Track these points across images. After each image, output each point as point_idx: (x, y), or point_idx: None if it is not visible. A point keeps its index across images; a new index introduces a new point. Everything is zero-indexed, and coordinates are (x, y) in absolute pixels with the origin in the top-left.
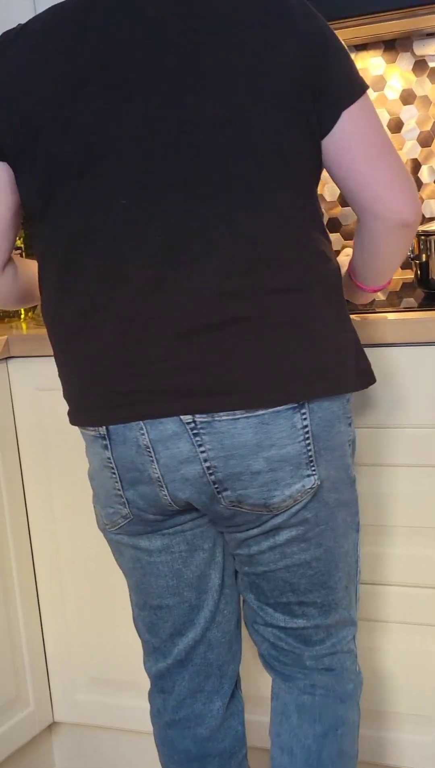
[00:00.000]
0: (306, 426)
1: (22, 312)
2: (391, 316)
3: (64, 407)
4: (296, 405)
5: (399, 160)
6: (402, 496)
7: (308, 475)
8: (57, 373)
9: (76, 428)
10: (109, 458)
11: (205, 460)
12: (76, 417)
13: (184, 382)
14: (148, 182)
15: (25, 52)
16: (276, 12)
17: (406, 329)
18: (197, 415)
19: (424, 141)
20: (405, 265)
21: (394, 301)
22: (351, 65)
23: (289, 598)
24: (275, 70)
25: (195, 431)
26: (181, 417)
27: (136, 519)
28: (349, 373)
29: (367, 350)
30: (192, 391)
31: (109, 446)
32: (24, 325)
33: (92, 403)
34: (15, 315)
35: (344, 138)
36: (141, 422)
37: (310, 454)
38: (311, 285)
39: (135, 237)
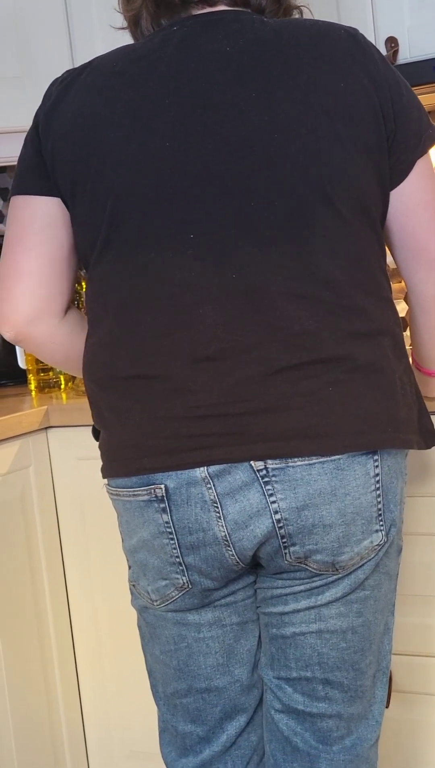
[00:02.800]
0: (378, 475)
1: (63, 382)
2: None
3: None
4: (371, 451)
5: None
6: None
7: (377, 531)
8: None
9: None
10: (167, 523)
11: (276, 512)
12: (126, 466)
13: (258, 424)
14: (221, 218)
15: (91, 85)
16: (354, 53)
17: None
18: (269, 461)
19: None
20: None
21: None
22: (424, 113)
23: (314, 672)
24: (354, 114)
25: (266, 479)
26: (252, 463)
27: (192, 590)
28: (414, 428)
29: None
30: (266, 435)
31: (168, 509)
32: (64, 396)
33: (150, 449)
34: (55, 385)
35: (412, 190)
36: (207, 473)
37: (380, 506)
38: (383, 334)
39: (208, 274)
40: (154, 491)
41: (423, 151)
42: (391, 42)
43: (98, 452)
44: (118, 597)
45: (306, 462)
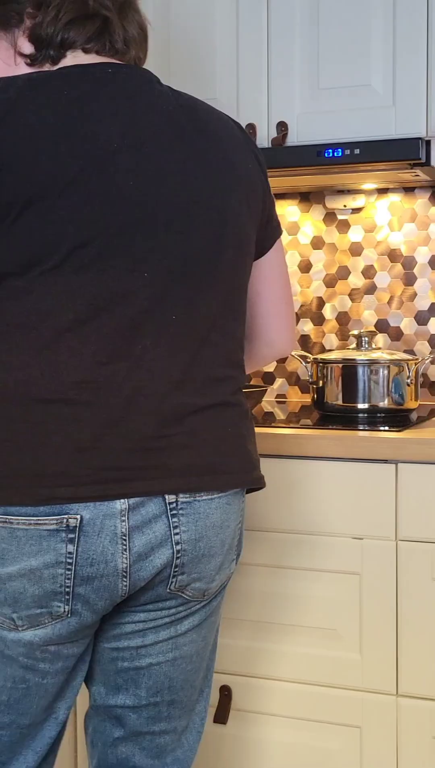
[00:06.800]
0: (242, 509)
1: None
2: (287, 431)
3: None
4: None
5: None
6: (292, 597)
7: (233, 559)
8: None
9: None
10: (70, 554)
11: (177, 543)
12: (32, 494)
13: (176, 459)
14: (170, 262)
15: (43, 108)
16: (246, 140)
17: (299, 444)
18: (181, 495)
19: (329, 282)
20: (304, 389)
21: (292, 420)
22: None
23: (163, 696)
24: (254, 191)
25: (174, 512)
26: (166, 496)
27: (68, 620)
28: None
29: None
30: (182, 469)
31: (76, 540)
32: None
33: (70, 478)
34: None
35: (271, 264)
36: (127, 505)
37: (239, 537)
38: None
39: (151, 313)
40: (67, 521)
41: (280, 232)
42: (282, 126)
43: None
44: None
45: (209, 497)
